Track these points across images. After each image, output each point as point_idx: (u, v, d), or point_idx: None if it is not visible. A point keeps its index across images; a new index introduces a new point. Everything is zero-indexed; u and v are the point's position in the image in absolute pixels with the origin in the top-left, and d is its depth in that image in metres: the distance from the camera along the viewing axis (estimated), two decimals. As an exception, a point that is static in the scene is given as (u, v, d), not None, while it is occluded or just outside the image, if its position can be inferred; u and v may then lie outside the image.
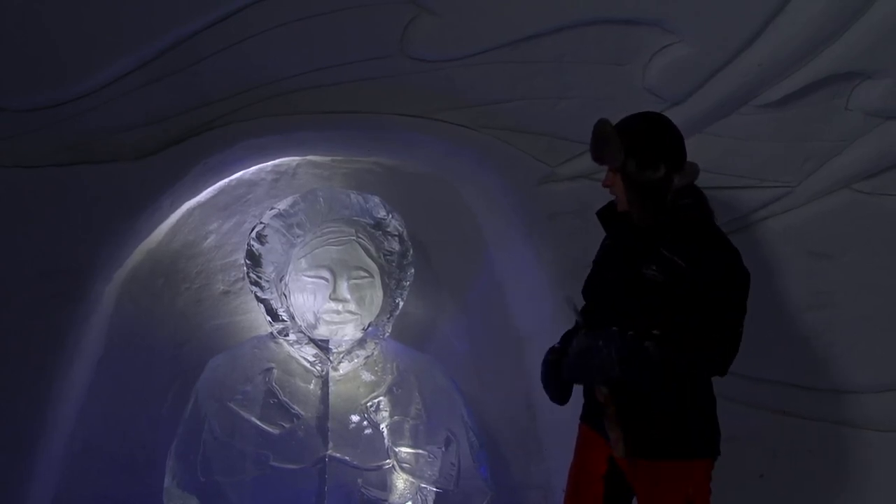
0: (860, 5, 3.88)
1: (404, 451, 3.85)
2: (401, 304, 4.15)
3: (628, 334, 3.08)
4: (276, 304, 4.03)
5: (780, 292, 4.29)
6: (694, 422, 3.25)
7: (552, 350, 3.41)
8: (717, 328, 3.09)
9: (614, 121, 3.30)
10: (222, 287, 4.51)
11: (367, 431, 3.87)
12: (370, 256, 3.98)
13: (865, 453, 4.33)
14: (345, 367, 3.96)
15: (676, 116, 4.05)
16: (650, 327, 3.11)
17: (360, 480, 3.80)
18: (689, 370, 3.16)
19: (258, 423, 3.78)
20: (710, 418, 3.30)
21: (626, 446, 3.21)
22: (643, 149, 3.20)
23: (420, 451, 3.86)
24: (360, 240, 3.98)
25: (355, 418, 3.88)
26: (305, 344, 3.96)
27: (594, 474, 3.36)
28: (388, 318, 4.10)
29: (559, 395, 3.38)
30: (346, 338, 3.96)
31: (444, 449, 3.89)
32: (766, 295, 4.27)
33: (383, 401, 3.93)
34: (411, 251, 4.15)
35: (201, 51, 3.93)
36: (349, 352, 3.96)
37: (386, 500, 3.80)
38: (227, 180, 4.47)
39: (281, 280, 3.99)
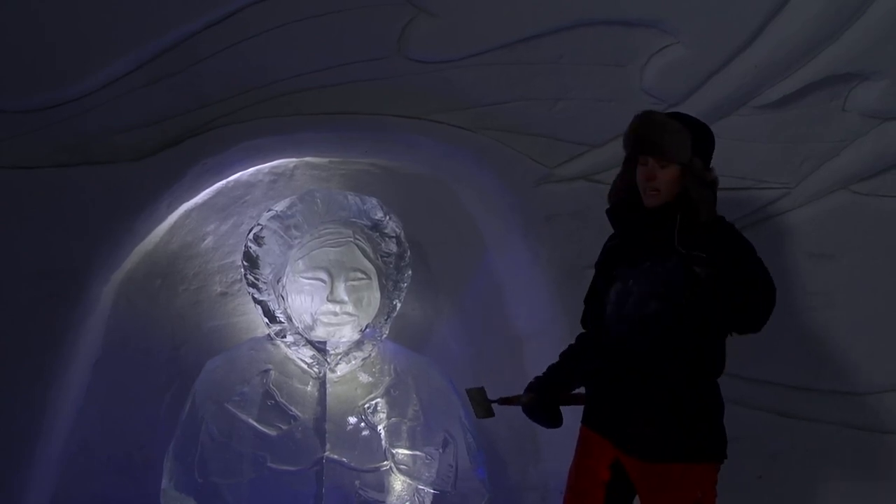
0: (857, 7, 3.89)
1: (402, 452, 3.85)
2: (398, 305, 4.14)
3: (673, 259, 3.06)
4: (273, 305, 4.02)
5: (778, 293, 4.28)
6: (705, 425, 3.22)
7: (529, 386, 3.47)
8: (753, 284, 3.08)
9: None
10: (220, 288, 4.51)
11: (365, 433, 3.86)
12: (367, 258, 3.97)
13: (865, 454, 4.33)
14: (342, 369, 3.95)
15: (674, 118, 4.08)
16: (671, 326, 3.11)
17: (357, 482, 3.79)
18: (734, 307, 3.07)
19: (255, 424, 3.77)
20: (719, 422, 3.28)
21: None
22: (706, 149, 3.22)
23: (417, 453, 3.86)
24: (357, 241, 3.97)
25: (353, 420, 3.88)
26: (303, 346, 3.95)
27: (596, 479, 3.31)
28: (386, 320, 4.09)
29: (549, 422, 3.44)
30: (344, 339, 3.96)
31: (441, 450, 3.88)
32: (765, 296, 4.28)
33: (381, 402, 3.93)
34: (409, 252, 4.14)
35: (200, 52, 3.94)
36: (346, 353, 3.95)
37: (383, 502, 3.79)
38: (224, 182, 4.47)
39: (278, 282, 3.99)
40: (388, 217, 4.11)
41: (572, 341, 3.49)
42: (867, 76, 4.07)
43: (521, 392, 3.47)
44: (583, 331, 3.50)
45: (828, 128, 4.21)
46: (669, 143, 3.16)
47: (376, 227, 4.09)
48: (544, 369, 3.48)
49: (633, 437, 3.21)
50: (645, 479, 3.24)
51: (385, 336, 4.12)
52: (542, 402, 3.42)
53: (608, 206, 3.37)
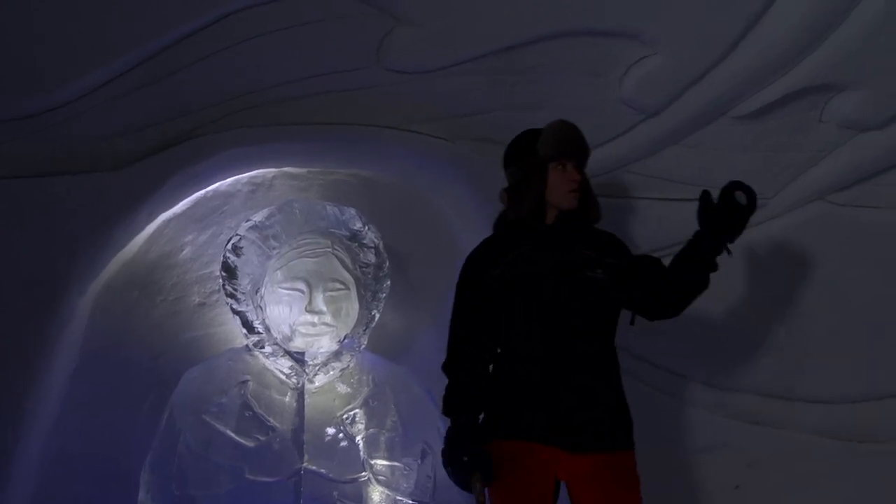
0: (834, 19, 3.90)
1: (380, 463, 3.84)
2: (377, 315, 4.14)
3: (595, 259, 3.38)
4: (251, 316, 4.01)
5: (755, 302, 4.31)
6: (627, 409, 3.40)
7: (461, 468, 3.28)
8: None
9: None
10: (198, 299, 4.49)
11: (343, 444, 3.85)
12: (346, 268, 3.97)
13: (839, 463, 4.34)
14: (320, 380, 3.94)
15: (653, 128, 4.12)
16: (600, 326, 3.37)
17: (335, 493, 3.77)
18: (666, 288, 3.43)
19: (233, 435, 3.76)
20: None
21: None
22: None
23: (396, 464, 3.85)
24: (336, 252, 3.97)
25: (331, 431, 3.87)
26: (281, 356, 3.94)
27: (547, 487, 3.29)
28: (364, 330, 4.09)
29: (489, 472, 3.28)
30: (322, 350, 3.95)
31: (420, 461, 3.87)
32: (741, 305, 4.29)
33: (359, 413, 3.92)
34: (387, 263, 4.15)
35: (179, 62, 3.94)
36: (325, 364, 3.94)
37: (362, 513, 3.80)
38: (203, 191, 4.46)
39: (257, 292, 3.99)
40: (366, 227, 4.11)
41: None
42: (843, 87, 4.08)
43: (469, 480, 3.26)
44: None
45: (806, 138, 4.23)
46: (587, 148, 3.52)
47: (355, 237, 4.09)
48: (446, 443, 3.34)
49: (585, 433, 3.25)
50: (599, 474, 3.26)
51: (363, 346, 4.12)
52: (485, 469, 3.26)
53: (520, 217, 3.50)
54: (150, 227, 4.40)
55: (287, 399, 3.91)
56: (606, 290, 3.36)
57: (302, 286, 3.91)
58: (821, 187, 4.29)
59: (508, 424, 3.33)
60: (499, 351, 3.42)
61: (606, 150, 4.22)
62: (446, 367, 3.43)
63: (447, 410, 3.36)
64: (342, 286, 3.95)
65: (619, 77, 4.12)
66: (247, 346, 4.04)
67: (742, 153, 4.24)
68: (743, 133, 4.21)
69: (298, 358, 3.95)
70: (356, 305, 3.99)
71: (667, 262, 3.44)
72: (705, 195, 3.28)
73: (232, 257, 4.02)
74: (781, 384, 4.34)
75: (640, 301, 3.44)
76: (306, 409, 3.90)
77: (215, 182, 4.45)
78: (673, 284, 3.38)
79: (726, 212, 3.23)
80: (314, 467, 3.78)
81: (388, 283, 4.16)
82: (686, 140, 4.19)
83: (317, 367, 3.94)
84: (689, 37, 3.98)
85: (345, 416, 3.91)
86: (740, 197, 3.23)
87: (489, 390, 3.38)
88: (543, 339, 3.31)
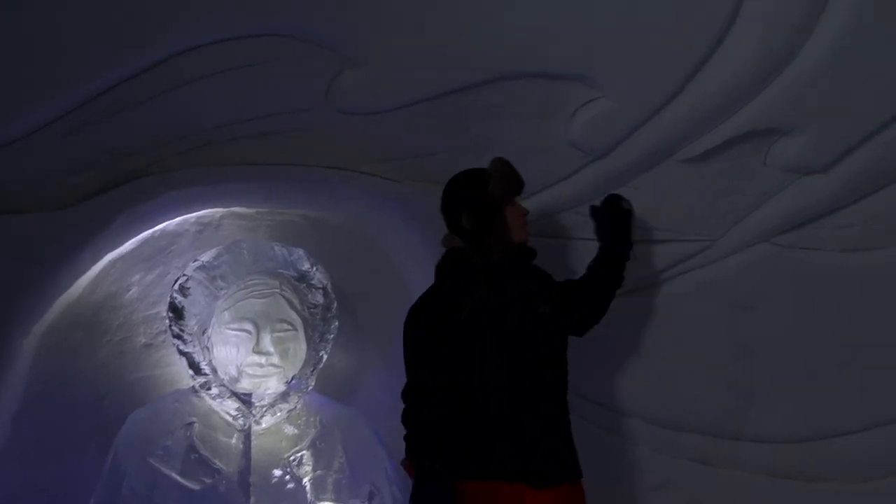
0: (779, 63, 3.95)
1: (327, 505, 3.83)
2: (324, 357, 4.13)
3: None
4: (198, 357, 3.99)
5: (702, 343, 4.34)
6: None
7: None
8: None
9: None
10: (144, 340, 4.44)
11: (290, 486, 3.83)
12: (294, 309, 3.95)
13: (785, 502, 4.37)
14: (267, 421, 3.92)
15: (599, 170, 4.14)
16: (555, 358, 3.52)
17: (282, 536, 3.76)
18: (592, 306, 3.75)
19: (178, 478, 3.72)
20: None
21: None
22: None
23: (343, 506, 3.84)
24: (283, 293, 3.96)
25: (278, 473, 3.84)
26: (228, 398, 3.92)
27: None
28: (312, 372, 4.07)
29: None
30: (269, 391, 3.93)
31: (367, 503, 3.86)
32: (688, 346, 4.32)
33: (306, 455, 3.90)
34: (335, 304, 4.14)
35: (125, 100, 3.90)
36: (272, 405, 3.92)
37: (309, 556, 3.76)
38: (150, 231, 4.42)
39: (204, 333, 3.96)
40: (314, 268, 4.11)
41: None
42: (787, 131, 4.14)
43: None
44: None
45: (750, 181, 4.28)
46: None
47: (303, 278, 4.09)
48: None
49: (548, 466, 3.32)
50: None
51: (311, 388, 4.10)
52: None
53: (491, 260, 3.56)
54: (96, 268, 4.36)
55: (233, 441, 3.88)
56: (555, 322, 3.51)
57: (249, 327, 3.89)
58: (765, 229, 4.34)
59: (471, 465, 3.34)
60: (460, 393, 3.41)
61: (555, 192, 4.25)
62: (409, 415, 3.45)
63: (414, 457, 3.36)
64: (290, 327, 3.94)
65: (567, 119, 4.14)
66: (193, 387, 4.01)
67: (688, 195, 4.28)
68: (689, 176, 4.24)
69: (245, 399, 3.92)
70: (304, 346, 3.98)
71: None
72: (593, 207, 3.95)
73: (179, 297, 4.00)
74: (727, 423, 4.37)
75: (572, 322, 3.64)
76: (253, 450, 3.87)
77: (162, 222, 4.41)
78: (594, 297, 3.73)
79: (615, 214, 3.87)
80: (261, 510, 3.76)
81: (336, 323, 4.15)
82: (633, 182, 4.21)
83: (264, 409, 3.91)
84: (636, 81, 4.02)
85: (292, 458, 3.89)
86: (626, 203, 3.90)
87: (452, 434, 3.37)
88: (508, 376, 3.37)
